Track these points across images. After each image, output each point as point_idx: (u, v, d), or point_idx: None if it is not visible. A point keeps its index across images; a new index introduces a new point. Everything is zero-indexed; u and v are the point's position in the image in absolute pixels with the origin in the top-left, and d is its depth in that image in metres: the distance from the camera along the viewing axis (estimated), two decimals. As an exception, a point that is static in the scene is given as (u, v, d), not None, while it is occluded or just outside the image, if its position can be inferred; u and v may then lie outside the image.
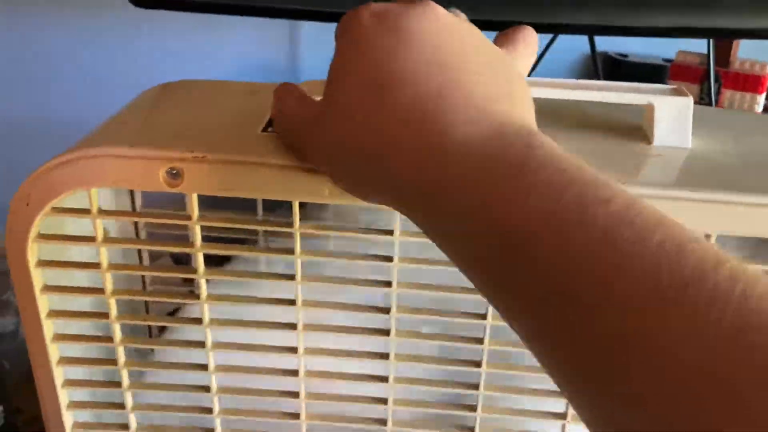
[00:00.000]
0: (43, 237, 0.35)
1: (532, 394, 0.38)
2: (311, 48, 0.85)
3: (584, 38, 0.84)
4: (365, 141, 0.27)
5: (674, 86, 0.37)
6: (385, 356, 0.37)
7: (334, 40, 0.30)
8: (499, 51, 0.30)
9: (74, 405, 0.40)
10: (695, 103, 0.36)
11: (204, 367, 0.38)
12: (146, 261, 0.45)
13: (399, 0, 0.29)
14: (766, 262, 0.33)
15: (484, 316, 0.36)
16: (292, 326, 0.37)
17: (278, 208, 0.40)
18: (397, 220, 0.34)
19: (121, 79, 0.42)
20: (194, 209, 0.34)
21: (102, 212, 0.34)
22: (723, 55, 0.73)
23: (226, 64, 0.86)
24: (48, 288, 0.36)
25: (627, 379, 0.19)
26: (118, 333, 0.37)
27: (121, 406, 0.40)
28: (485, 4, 0.53)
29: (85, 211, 0.34)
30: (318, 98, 0.30)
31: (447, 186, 0.24)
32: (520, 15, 0.56)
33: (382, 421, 0.39)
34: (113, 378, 0.39)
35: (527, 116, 0.28)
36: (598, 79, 0.77)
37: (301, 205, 0.34)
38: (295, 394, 0.38)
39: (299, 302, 0.36)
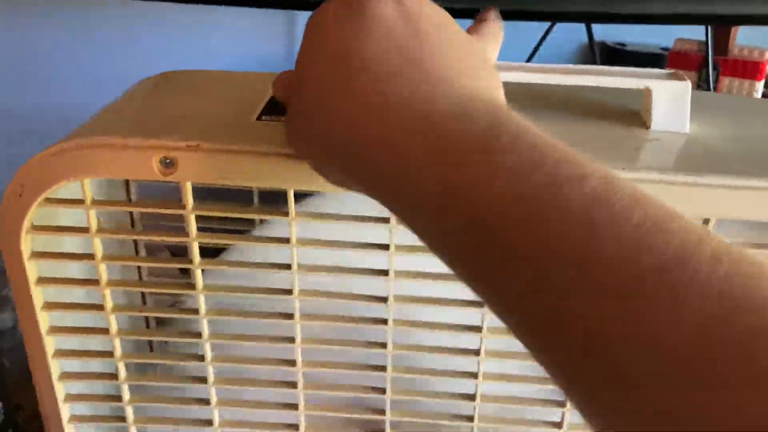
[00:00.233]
0: (37, 228, 0.34)
1: (532, 382, 0.38)
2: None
3: (582, 28, 0.84)
4: (332, 127, 0.26)
5: (672, 71, 0.37)
6: (383, 346, 0.37)
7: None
8: (464, 33, 0.29)
9: (71, 398, 0.39)
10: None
11: (200, 358, 0.38)
12: (142, 254, 0.45)
13: None
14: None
15: (481, 304, 0.35)
16: (289, 316, 0.36)
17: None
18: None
19: (118, 73, 0.42)
20: (188, 198, 0.34)
21: (96, 202, 0.34)
22: (721, 43, 0.73)
23: (224, 57, 0.85)
24: (43, 280, 0.36)
25: (610, 368, 0.18)
26: (114, 325, 0.37)
27: (118, 398, 0.39)
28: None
29: (79, 202, 0.34)
30: None
31: (409, 169, 0.23)
32: (518, 3, 0.56)
33: (381, 411, 0.39)
34: (110, 371, 0.39)
35: (495, 93, 0.27)
36: (596, 68, 0.77)
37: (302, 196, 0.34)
38: (293, 384, 0.38)
39: (296, 291, 0.36)
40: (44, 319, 0.37)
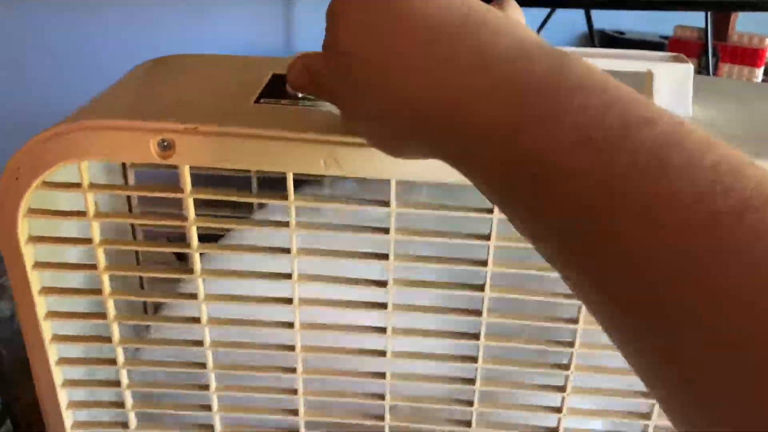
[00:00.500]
0: (34, 212, 0.34)
1: (533, 366, 0.38)
2: (306, 26, 0.84)
3: (581, 15, 0.83)
4: (378, 83, 0.25)
5: (674, 54, 0.37)
6: (382, 330, 0.37)
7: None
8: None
9: (69, 383, 0.39)
10: (693, 74, 0.36)
11: (199, 343, 0.38)
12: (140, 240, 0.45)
13: None
14: None
15: (482, 288, 0.35)
16: (289, 301, 0.36)
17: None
18: (392, 191, 0.33)
19: (117, 63, 0.42)
20: (186, 182, 0.33)
21: (93, 186, 0.34)
22: (721, 29, 0.73)
23: (220, 45, 0.85)
24: (40, 264, 0.35)
25: (682, 321, 0.17)
26: (111, 309, 0.37)
27: (117, 383, 0.39)
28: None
29: (76, 185, 0.34)
30: None
31: (472, 109, 0.22)
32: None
33: (380, 396, 0.39)
34: (108, 356, 0.39)
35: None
36: (595, 55, 0.76)
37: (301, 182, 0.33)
38: (292, 370, 0.38)
39: (295, 276, 0.35)
40: (42, 304, 0.36)
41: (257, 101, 0.35)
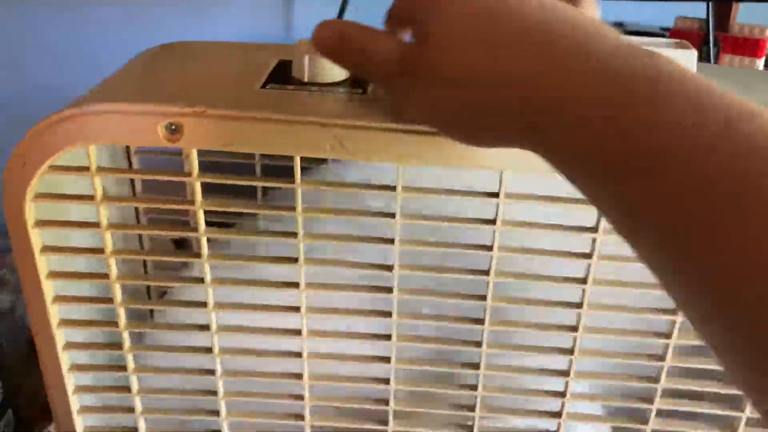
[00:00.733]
0: (42, 196, 0.34)
1: (533, 351, 0.38)
2: (304, 24, 0.84)
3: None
4: (481, 69, 0.25)
5: (677, 40, 0.37)
6: (387, 314, 0.37)
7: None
8: None
9: (76, 368, 0.39)
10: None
11: (206, 327, 0.38)
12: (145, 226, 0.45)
13: None
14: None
15: (487, 272, 0.35)
16: (295, 285, 0.37)
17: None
18: (399, 175, 0.33)
19: (118, 58, 0.42)
20: (194, 165, 0.33)
21: (101, 170, 0.34)
22: (722, 20, 0.73)
23: (221, 38, 0.85)
24: (47, 248, 0.36)
25: None
26: (118, 294, 0.37)
27: (123, 368, 0.39)
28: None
29: (84, 169, 0.34)
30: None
31: (572, 103, 0.23)
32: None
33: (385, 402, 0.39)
34: (114, 341, 0.39)
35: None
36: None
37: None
38: (297, 355, 0.38)
39: (301, 260, 0.36)
40: (49, 288, 0.37)
41: (263, 86, 0.35)
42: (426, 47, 0.27)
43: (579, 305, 0.36)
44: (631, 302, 0.36)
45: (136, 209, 0.38)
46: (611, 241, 0.34)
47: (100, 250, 0.36)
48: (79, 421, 0.41)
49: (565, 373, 0.38)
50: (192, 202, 0.34)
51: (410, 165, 0.33)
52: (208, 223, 0.35)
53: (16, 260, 0.36)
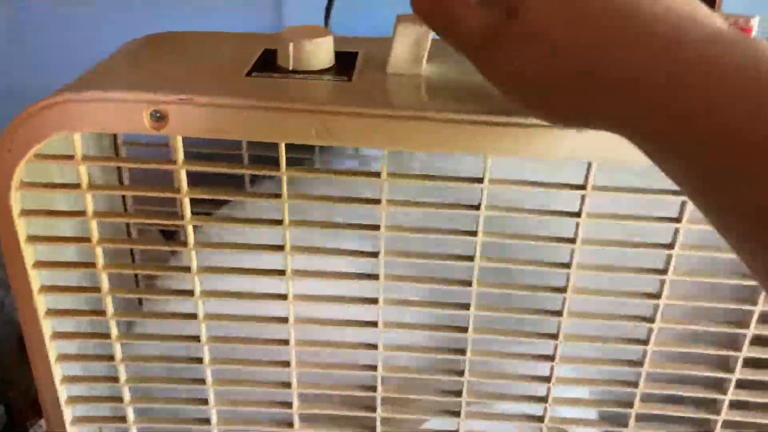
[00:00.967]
0: (27, 185, 0.34)
1: (519, 337, 0.38)
2: (295, 10, 0.84)
3: None
4: (570, 45, 0.25)
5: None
6: (374, 301, 0.37)
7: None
8: None
9: (63, 358, 0.39)
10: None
11: (192, 316, 0.38)
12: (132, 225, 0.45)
13: None
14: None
15: (471, 258, 0.36)
16: (281, 272, 0.37)
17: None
18: (385, 159, 0.33)
19: (105, 50, 0.42)
20: (179, 153, 0.34)
21: (87, 158, 0.34)
22: (706, 12, 0.73)
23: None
24: (33, 238, 0.36)
25: None
26: (105, 283, 0.37)
27: (110, 357, 0.40)
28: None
29: (69, 158, 0.34)
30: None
31: (668, 89, 0.23)
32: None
33: (372, 367, 0.39)
34: (102, 331, 0.39)
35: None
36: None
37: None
38: (284, 342, 0.38)
39: (287, 247, 0.36)
40: (35, 278, 0.37)
41: (249, 74, 0.36)
42: (515, 21, 0.27)
43: (563, 290, 0.36)
44: (615, 287, 0.37)
45: (123, 200, 0.38)
46: (593, 226, 0.35)
47: (86, 239, 0.36)
48: (68, 411, 0.41)
49: (550, 358, 0.38)
50: (178, 191, 0.35)
51: (396, 150, 0.33)
52: (197, 214, 0.36)
53: (3, 251, 0.36)
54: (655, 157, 0.24)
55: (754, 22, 0.38)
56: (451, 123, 0.32)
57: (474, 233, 0.35)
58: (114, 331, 0.39)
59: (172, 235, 0.51)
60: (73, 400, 0.41)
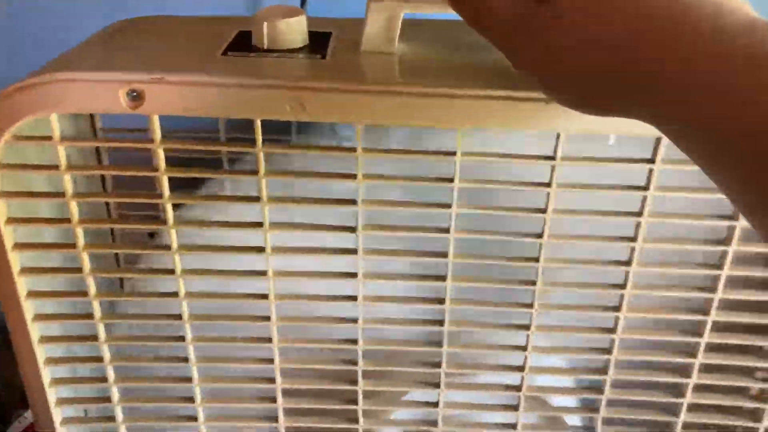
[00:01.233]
0: (5, 166, 0.35)
1: (495, 307, 0.39)
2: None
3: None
4: (604, 32, 0.25)
5: None
6: (353, 275, 0.38)
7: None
8: None
9: (46, 340, 0.40)
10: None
11: (174, 294, 0.38)
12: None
13: None
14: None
15: (447, 230, 0.37)
16: (260, 249, 0.37)
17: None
18: (359, 133, 0.34)
19: (81, 36, 0.43)
20: (156, 131, 0.34)
21: (65, 139, 0.34)
22: None
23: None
24: (12, 220, 0.36)
25: None
26: (86, 263, 0.37)
27: (94, 338, 0.40)
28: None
29: (47, 138, 0.34)
30: None
31: (712, 79, 0.23)
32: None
33: (353, 341, 0.40)
34: (85, 312, 0.40)
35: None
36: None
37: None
38: (266, 318, 0.39)
39: (266, 224, 0.36)
40: (15, 260, 0.37)
41: (224, 54, 0.36)
42: (547, 7, 0.27)
43: (536, 260, 0.37)
44: (587, 255, 0.38)
45: (103, 183, 0.39)
46: (570, 198, 0.36)
47: (66, 220, 0.36)
48: (52, 393, 0.41)
49: (526, 327, 0.39)
50: (156, 170, 0.35)
51: (370, 123, 0.34)
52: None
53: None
54: (698, 149, 0.24)
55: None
56: (422, 96, 0.33)
57: (449, 206, 0.36)
58: (97, 312, 0.39)
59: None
60: (56, 381, 0.41)
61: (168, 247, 0.37)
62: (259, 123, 0.34)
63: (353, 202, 0.36)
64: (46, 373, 0.41)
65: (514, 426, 0.42)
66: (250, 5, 0.83)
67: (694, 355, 0.40)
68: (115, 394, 0.42)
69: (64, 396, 0.42)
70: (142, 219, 0.39)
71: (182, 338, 0.40)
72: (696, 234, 0.37)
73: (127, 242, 0.46)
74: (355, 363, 0.40)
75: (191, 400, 0.42)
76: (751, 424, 0.42)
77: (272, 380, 0.41)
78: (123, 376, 0.42)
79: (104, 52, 0.37)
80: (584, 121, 0.31)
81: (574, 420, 0.44)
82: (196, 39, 0.39)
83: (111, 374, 0.41)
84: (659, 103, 0.25)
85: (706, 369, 0.41)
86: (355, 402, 0.42)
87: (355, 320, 0.39)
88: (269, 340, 0.40)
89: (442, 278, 0.38)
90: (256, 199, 0.36)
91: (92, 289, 0.38)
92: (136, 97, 0.33)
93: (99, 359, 0.41)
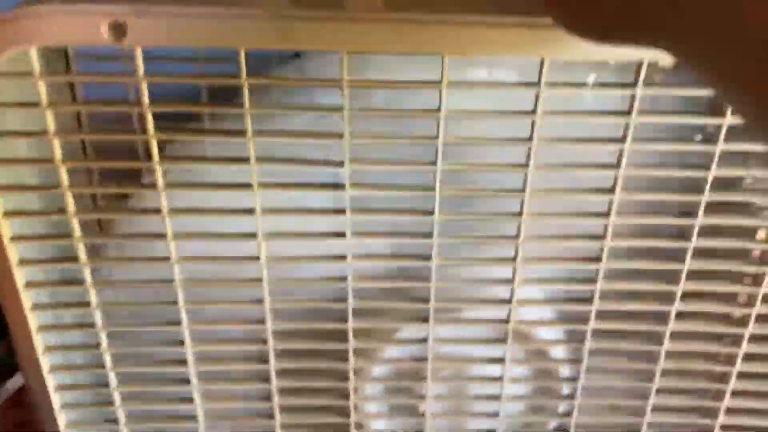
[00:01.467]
0: (-17, 105, 0.34)
1: (485, 240, 0.40)
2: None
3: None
4: None
5: None
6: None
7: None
8: None
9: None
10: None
11: (162, 236, 0.38)
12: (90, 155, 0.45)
13: None
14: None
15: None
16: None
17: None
18: (344, 63, 0.34)
19: None
20: (139, 64, 0.34)
21: (45, 74, 0.34)
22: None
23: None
24: (-7, 161, 0.35)
25: None
26: (70, 203, 0.37)
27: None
28: None
29: (27, 74, 0.34)
30: None
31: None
32: None
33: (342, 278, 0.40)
34: (69, 255, 0.39)
35: None
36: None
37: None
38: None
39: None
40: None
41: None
42: None
43: (521, 191, 0.38)
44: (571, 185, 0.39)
45: (79, 119, 0.38)
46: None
47: (49, 160, 0.36)
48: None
49: (512, 260, 0.40)
50: (139, 105, 0.35)
51: (355, 53, 0.34)
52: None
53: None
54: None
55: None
56: (407, 23, 0.33)
57: (434, 138, 0.36)
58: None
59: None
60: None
61: (154, 186, 0.37)
62: (243, 51, 0.34)
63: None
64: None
65: (502, 359, 0.43)
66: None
67: (677, 283, 0.41)
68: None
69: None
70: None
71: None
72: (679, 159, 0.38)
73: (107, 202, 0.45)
74: (344, 301, 0.41)
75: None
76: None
77: (262, 321, 0.41)
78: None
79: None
80: (569, 47, 0.32)
81: (559, 353, 0.44)
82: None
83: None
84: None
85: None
86: (346, 341, 0.42)
87: (343, 258, 0.39)
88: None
89: (430, 213, 0.38)
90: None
91: (77, 232, 0.38)
92: (119, 29, 0.33)
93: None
